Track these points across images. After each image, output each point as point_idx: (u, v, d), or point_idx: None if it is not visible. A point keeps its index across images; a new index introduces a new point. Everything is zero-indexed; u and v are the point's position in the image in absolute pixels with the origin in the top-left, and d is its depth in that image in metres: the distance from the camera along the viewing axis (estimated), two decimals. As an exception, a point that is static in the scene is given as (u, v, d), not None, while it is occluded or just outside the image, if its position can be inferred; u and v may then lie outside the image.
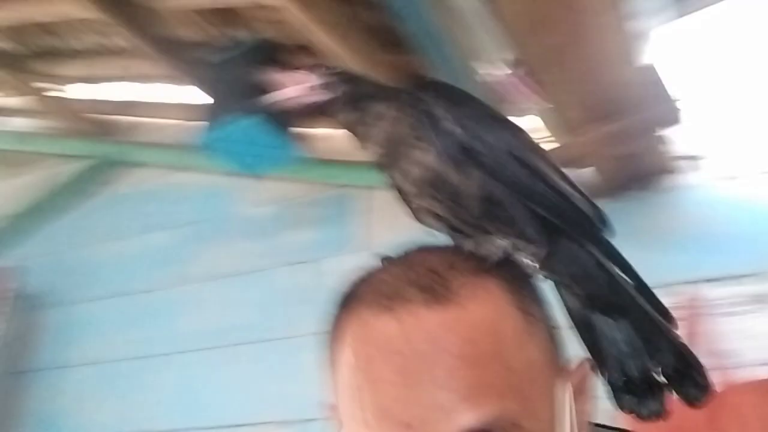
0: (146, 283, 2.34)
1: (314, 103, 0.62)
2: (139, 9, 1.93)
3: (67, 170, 2.72)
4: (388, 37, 1.67)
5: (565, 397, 0.52)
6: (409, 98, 0.61)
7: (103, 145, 2.66)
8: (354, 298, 0.54)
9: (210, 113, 1.78)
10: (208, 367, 2.05)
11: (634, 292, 0.61)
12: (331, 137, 1.99)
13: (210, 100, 1.88)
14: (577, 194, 0.62)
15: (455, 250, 0.58)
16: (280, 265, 2.09)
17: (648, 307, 0.60)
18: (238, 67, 1.81)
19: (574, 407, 0.53)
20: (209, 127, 1.73)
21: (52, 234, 2.67)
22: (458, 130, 0.58)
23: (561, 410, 0.52)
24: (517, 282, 0.55)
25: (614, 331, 0.59)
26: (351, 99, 0.62)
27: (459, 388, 0.47)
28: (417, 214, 0.65)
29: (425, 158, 0.59)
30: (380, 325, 0.50)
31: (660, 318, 0.60)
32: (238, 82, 1.83)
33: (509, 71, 1.52)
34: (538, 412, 0.50)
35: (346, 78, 0.63)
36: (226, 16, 1.96)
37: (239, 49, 1.85)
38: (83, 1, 1.85)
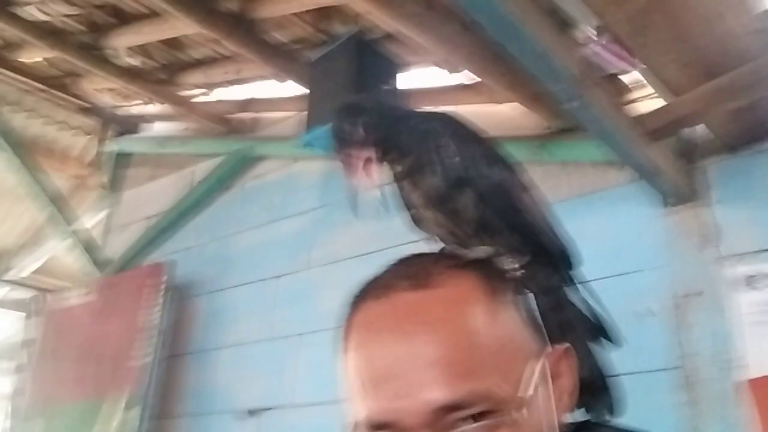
0: (277, 269, 2.51)
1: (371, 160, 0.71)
2: (240, 20, 2.06)
3: (202, 168, 2.95)
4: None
5: (539, 374, 0.57)
6: (421, 124, 0.72)
7: (232, 143, 2.86)
8: (361, 295, 0.62)
9: (310, 111, 1.87)
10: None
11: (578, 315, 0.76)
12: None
13: (312, 98, 1.96)
14: (550, 231, 0.74)
15: (446, 252, 0.67)
16: (398, 244, 2.15)
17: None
18: (336, 62, 1.88)
19: (550, 386, 0.59)
20: (309, 126, 1.82)
21: (194, 229, 2.93)
22: (457, 159, 0.69)
23: (535, 381, 0.56)
24: (494, 275, 0.62)
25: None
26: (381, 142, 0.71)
27: (436, 358, 0.54)
28: (419, 222, 0.75)
29: (432, 179, 0.69)
30: (375, 310, 0.59)
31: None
32: (337, 77, 1.89)
33: (596, 40, 1.47)
34: (510, 385, 0.55)
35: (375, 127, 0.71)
36: (321, 13, 2.03)
37: (335, 44, 1.91)
38: (190, 21, 2.00)
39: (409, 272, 0.60)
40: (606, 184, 1.85)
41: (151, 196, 3.20)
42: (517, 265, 0.67)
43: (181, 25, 2.12)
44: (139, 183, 3.34)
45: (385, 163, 0.71)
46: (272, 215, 2.65)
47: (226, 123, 2.90)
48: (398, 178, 0.73)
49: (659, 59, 1.35)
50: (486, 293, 0.59)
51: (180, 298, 2.75)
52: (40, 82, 3.11)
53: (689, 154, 1.68)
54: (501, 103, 1.97)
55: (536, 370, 0.57)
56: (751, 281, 1.58)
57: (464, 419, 0.53)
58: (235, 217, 2.78)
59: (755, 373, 1.50)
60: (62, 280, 3.60)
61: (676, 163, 1.63)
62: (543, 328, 0.64)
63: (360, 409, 0.57)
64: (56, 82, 3.15)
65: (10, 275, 3.82)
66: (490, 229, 0.70)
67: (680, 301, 1.65)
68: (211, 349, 2.60)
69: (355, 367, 0.59)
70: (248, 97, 2.81)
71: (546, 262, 0.73)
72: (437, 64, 2.12)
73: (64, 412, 2.76)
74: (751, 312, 1.56)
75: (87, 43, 2.60)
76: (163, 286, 2.67)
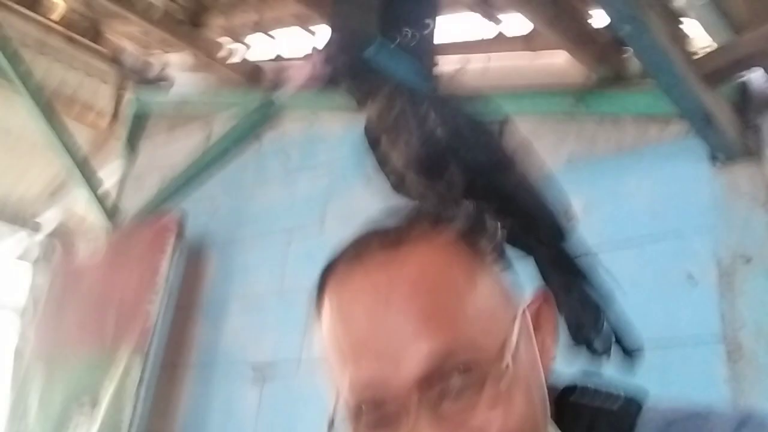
0: (291, 223, 2.41)
1: (321, 75, 0.76)
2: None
3: (220, 121, 2.86)
4: None
5: (520, 327, 0.56)
6: (403, 92, 0.76)
7: (251, 94, 2.76)
8: (333, 261, 0.60)
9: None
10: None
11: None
12: (467, 71, 1.88)
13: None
14: (537, 200, 0.77)
15: (422, 211, 0.64)
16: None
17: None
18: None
19: (533, 338, 0.58)
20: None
21: (210, 182, 2.85)
22: (439, 129, 0.74)
23: (518, 331, 0.55)
24: (471, 234, 0.60)
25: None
26: (349, 73, 0.77)
27: (416, 315, 0.53)
28: (396, 181, 0.77)
29: (411, 141, 0.73)
30: (349, 273, 0.57)
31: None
32: (360, 13, 1.78)
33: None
34: (493, 341, 0.54)
35: (343, 53, 0.77)
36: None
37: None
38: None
39: (382, 233, 0.59)
40: (647, 141, 1.70)
41: (169, 148, 3.12)
42: (499, 225, 0.66)
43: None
44: (158, 135, 3.26)
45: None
46: (289, 169, 2.55)
47: (246, 74, 2.79)
48: (374, 126, 0.75)
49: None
50: (462, 250, 0.58)
51: (192, 250, 2.66)
52: (63, 26, 3.04)
53: (746, 107, 1.53)
54: (540, 50, 1.83)
55: (516, 323, 0.56)
56: (807, 248, 1.43)
57: (449, 372, 0.52)
58: (252, 170, 2.69)
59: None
60: (78, 232, 3.55)
61: (731, 115, 1.48)
62: (520, 283, 0.62)
63: (342, 380, 0.55)
64: (79, 25, 3.07)
65: (32, 226, 3.78)
66: (475, 195, 0.72)
67: (726, 268, 1.51)
68: (221, 301, 2.52)
69: (331, 335, 0.57)
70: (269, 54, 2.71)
71: (531, 228, 0.75)
72: (471, 8, 1.98)
73: (68, 360, 2.70)
74: (806, 282, 1.42)
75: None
76: (174, 238, 2.59)
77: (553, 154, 1.85)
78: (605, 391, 0.62)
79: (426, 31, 1.76)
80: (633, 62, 1.66)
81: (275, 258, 2.38)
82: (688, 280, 1.56)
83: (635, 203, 1.67)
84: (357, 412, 0.54)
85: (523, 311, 0.57)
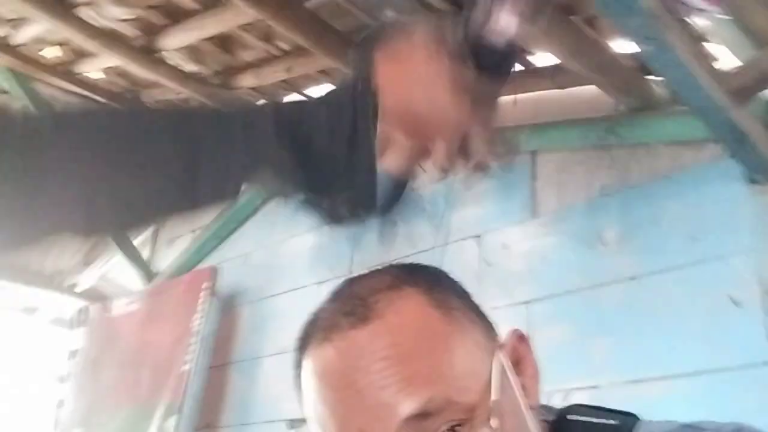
0: (320, 275, 2.41)
1: None
2: (297, 9, 2.03)
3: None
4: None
5: (500, 366, 0.56)
6: None
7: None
8: (305, 340, 0.61)
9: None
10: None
11: None
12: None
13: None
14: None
15: (377, 273, 0.63)
16: (444, 244, 2.04)
17: None
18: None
19: (513, 376, 0.58)
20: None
21: (240, 237, 2.88)
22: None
23: (497, 380, 0.55)
24: (433, 284, 0.60)
25: None
26: None
27: (393, 384, 0.53)
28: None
29: None
30: (321, 355, 0.58)
31: None
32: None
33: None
34: (476, 390, 0.54)
35: None
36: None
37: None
38: (249, 11, 1.99)
39: (347, 309, 0.59)
40: (682, 166, 1.70)
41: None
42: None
43: (230, 15, 2.11)
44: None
45: None
46: (315, 221, 2.57)
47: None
48: None
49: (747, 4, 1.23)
50: (431, 305, 0.58)
51: (224, 306, 2.67)
52: (101, 96, 3.16)
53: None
54: (566, 87, 1.85)
55: (495, 369, 0.57)
56: None
57: (437, 430, 0.52)
58: (280, 223, 2.71)
59: None
60: (113, 293, 3.59)
61: (764, 132, 1.47)
62: (492, 323, 0.62)
63: None
64: (118, 95, 3.19)
65: (68, 290, 3.83)
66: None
67: (770, 290, 1.47)
68: (254, 358, 2.50)
69: (313, 413, 0.58)
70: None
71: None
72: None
73: (104, 422, 2.68)
74: None
75: (144, 46, 2.63)
76: (206, 293, 2.60)
77: (587, 186, 1.85)
78: (601, 409, 0.63)
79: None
80: (660, 88, 1.68)
81: (307, 310, 2.36)
82: (731, 303, 1.52)
83: (673, 229, 1.65)
84: None
85: (500, 354, 0.58)
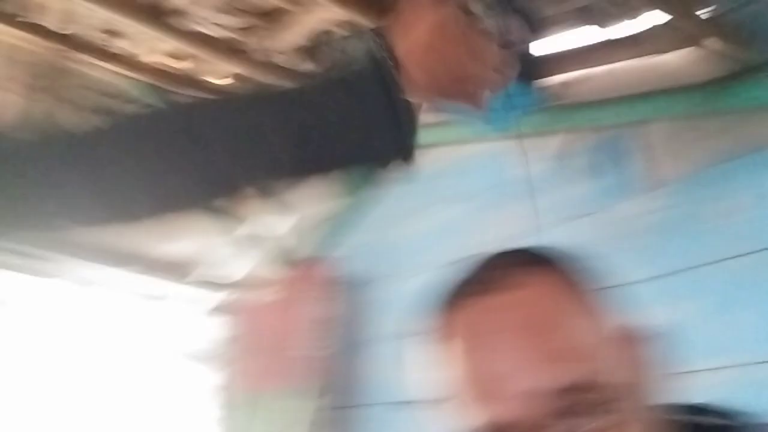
0: (446, 256, 2.42)
1: None
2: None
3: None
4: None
5: (631, 354, 0.59)
6: None
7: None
8: (442, 304, 0.66)
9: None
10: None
11: None
12: (587, 79, 1.80)
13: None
14: None
15: (513, 251, 0.68)
16: (572, 218, 1.98)
17: None
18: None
19: (644, 365, 0.60)
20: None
21: (367, 220, 2.95)
22: None
23: (629, 368, 0.58)
24: (567, 265, 0.64)
25: None
26: None
27: (529, 355, 0.56)
28: None
29: None
30: (466, 315, 0.62)
31: None
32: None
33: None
34: (608, 370, 0.56)
35: None
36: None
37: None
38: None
39: (485, 278, 0.63)
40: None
41: (327, 192, 3.29)
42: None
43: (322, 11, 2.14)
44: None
45: None
46: (441, 200, 2.58)
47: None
48: None
49: None
50: (564, 286, 0.61)
51: (351, 290, 2.78)
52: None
53: None
54: (662, 53, 1.70)
55: (622, 352, 0.59)
56: None
57: (570, 405, 0.54)
58: (407, 205, 2.75)
59: None
60: (252, 282, 3.84)
61: None
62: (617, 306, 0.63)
63: (471, 410, 0.59)
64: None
65: (210, 278, 4.15)
66: None
67: None
68: (383, 340, 2.60)
69: (458, 368, 0.61)
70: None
71: None
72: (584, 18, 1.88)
73: (252, 404, 2.92)
74: None
75: (256, 50, 2.72)
76: (335, 279, 2.72)
77: (689, 157, 1.72)
78: (723, 410, 0.64)
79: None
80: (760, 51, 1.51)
81: (433, 291, 2.39)
82: None
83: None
84: None
85: (627, 339, 0.60)
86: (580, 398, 0.54)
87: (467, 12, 0.85)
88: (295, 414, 2.69)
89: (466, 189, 2.49)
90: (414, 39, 0.85)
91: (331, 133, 0.84)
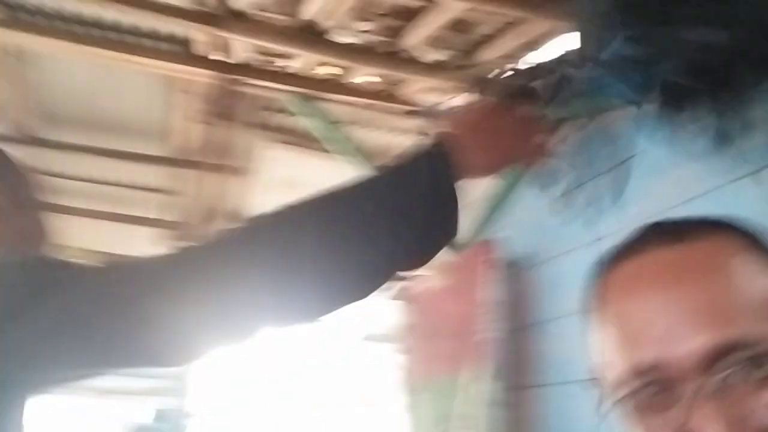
0: (600, 230, 2.34)
1: None
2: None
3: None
4: None
5: None
6: None
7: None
8: (612, 257, 0.66)
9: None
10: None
11: None
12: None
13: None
14: None
15: (698, 217, 0.67)
16: (721, 185, 1.82)
17: None
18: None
19: None
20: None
21: (522, 200, 2.92)
22: None
23: None
24: (746, 228, 0.63)
25: None
26: None
27: (698, 311, 0.56)
28: None
29: None
30: (631, 267, 0.62)
31: None
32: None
33: None
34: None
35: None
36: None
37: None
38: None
39: (663, 230, 0.63)
40: None
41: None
42: None
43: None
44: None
45: None
46: (589, 173, 2.48)
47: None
48: None
49: None
50: (742, 247, 0.60)
51: (515, 271, 2.77)
52: (369, 98, 3.46)
53: None
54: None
55: None
56: None
57: (730, 363, 0.53)
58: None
59: None
60: (433, 267, 3.96)
61: None
62: None
63: (619, 364, 0.59)
64: (382, 94, 3.47)
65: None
66: None
67: None
68: (545, 321, 2.56)
69: (612, 324, 0.61)
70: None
71: None
72: None
73: (432, 385, 3.03)
74: None
75: (390, 51, 2.81)
76: (494, 262, 2.73)
77: None
78: None
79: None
80: None
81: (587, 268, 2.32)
82: None
83: None
84: (635, 393, 0.58)
85: None
86: (737, 356, 0.53)
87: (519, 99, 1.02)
88: (472, 397, 2.75)
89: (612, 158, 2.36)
90: (467, 121, 0.99)
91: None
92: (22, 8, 2.89)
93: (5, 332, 0.72)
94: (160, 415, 3.43)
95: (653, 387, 0.57)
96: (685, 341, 0.54)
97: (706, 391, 0.53)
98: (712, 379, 0.53)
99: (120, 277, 0.80)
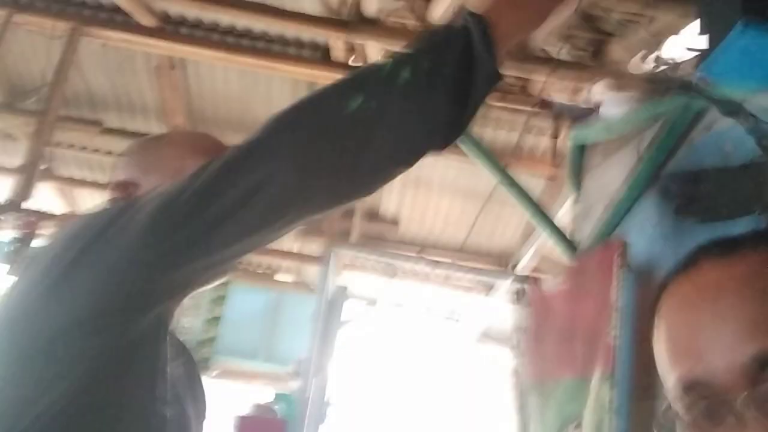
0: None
1: None
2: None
3: (647, 137, 2.83)
4: None
5: None
6: None
7: (670, 101, 2.66)
8: (670, 274, 0.68)
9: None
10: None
11: None
12: None
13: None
14: None
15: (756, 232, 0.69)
16: None
17: None
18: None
19: None
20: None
21: (646, 200, 2.83)
22: None
23: None
24: None
25: None
26: None
27: (741, 322, 0.56)
28: None
29: None
30: (682, 282, 0.64)
31: None
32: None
33: None
34: None
35: None
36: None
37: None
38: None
39: (717, 244, 0.64)
40: None
41: (607, 175, 3.22)
42: None
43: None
44: (596, 166, 3.40)
45: None
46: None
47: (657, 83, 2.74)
48: None
49: None
50: None
51: (639, 273, 2.68)
52: (501, 96, 3.52)
53: None
54: None
55: None
56: None
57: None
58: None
59: None
60: (547, 270, 3.92)
61: None
62: None
63: (671, 378, 0.60)
64: (510, 92, 3.51)
65: (511, 270, 4.34)
66: None
67: None
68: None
69: (663, 340, 0.63)
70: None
71: None
72: None
73: (552, 388, 2.99)
74: None
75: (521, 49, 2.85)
76: (619, 263, 2.65)
77: None
78: None
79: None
80: None
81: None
82: None
83: None
84: (689, 408, 0.59)
85: None
86: None
87: None
88: (593, 402, 2.69)
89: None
90: None
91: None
92: (183, 23, 3.22)
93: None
94: (279, 398, 3.71)
95: (704, 401, 0.57)
96: (729, 352, 0.55)
97: (755, 402, 0.53)
98: (761, 388, 0.53)
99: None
